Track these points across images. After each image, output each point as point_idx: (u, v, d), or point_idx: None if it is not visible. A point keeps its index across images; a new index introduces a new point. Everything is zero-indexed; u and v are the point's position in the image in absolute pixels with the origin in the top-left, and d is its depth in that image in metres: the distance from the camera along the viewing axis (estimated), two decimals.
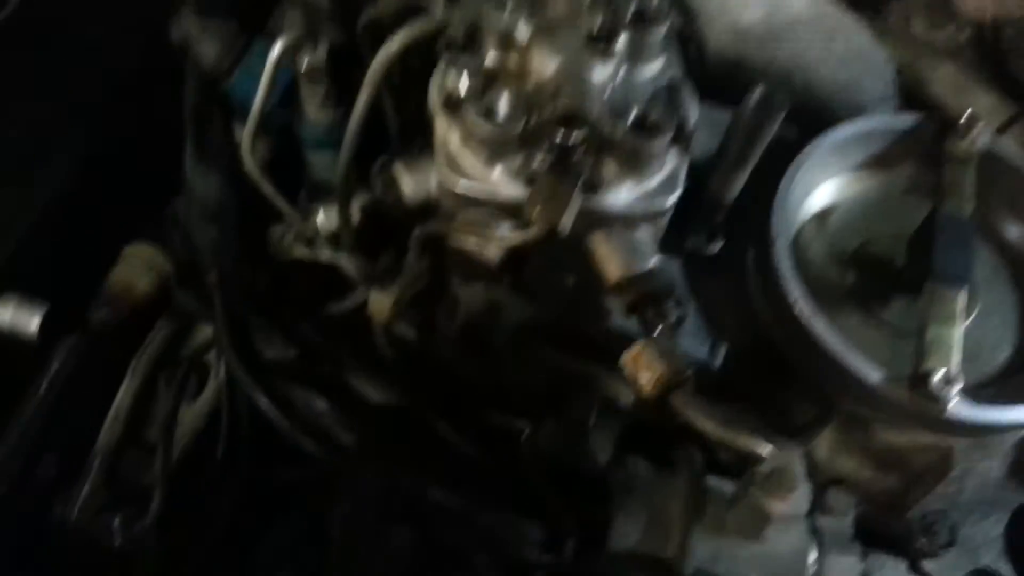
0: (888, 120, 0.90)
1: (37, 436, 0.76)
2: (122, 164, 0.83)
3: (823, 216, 0.89)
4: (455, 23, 0.65)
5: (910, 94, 1.17)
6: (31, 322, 0.71)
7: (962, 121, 0.86)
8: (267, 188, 0.83)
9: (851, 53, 1.12)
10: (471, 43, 0.68)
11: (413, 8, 0.73)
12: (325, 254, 0.77)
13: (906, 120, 0.89)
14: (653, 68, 0.78)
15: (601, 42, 0.69)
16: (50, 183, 0.77)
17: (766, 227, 0.79)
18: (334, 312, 0.86)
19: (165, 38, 0.87)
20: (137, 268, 0.79)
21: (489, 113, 0.70)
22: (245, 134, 0.80)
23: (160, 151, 0.85)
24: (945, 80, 1.40)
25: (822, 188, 0.89)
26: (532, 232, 0.67)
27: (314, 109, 0.85)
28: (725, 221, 0.84)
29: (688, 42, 1.01)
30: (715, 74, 1.05)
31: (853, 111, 1.10)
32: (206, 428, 0.83)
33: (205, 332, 0.82)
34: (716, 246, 0.83)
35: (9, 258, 0.73)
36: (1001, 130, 1.01)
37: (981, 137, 0.86)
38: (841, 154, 0.88)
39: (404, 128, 0.88)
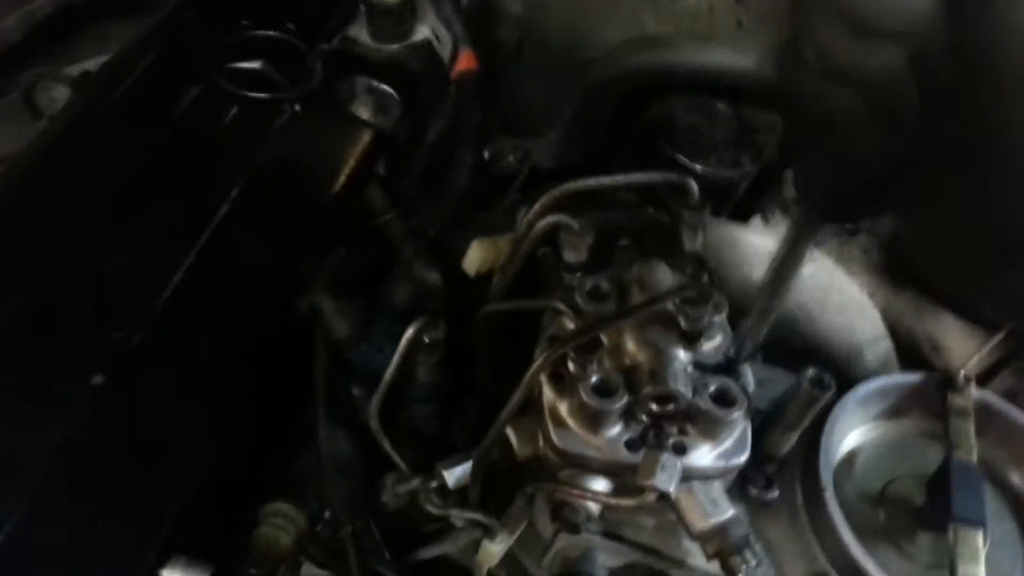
0: (898, 378, 1.08)
1: None
2: (259, 426, 0.95)
3: (850, 460, 1.05)
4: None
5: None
6: None
7: (959, 378, 1.05)
8: (387, 445, 0.95)
9: (844, 302, 1.33)
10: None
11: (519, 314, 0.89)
12: (454, 513, 0.89)
13: (913, 377, 1.07)
14: (716, 344, 0.95)
15: (692, 340, 0.86)
16: (204, 453, 0.88)
17: (816, 479, 0.95)
18: (431, 555, 0.97)
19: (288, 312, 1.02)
20: (278, 525, 0.89)
21: (597, 391, 0.86)
22: (374, 403, 0.93)
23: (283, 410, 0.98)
24: (906, 308, 1.62)
25: (849, 437, 1.05)
26: (644, 498, 0.81)
27: (425, 373, 0.99)
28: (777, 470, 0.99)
29: None
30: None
31: (849, 349, 1.30)
32: None
33: None
34: (773, 493, 0.97)
35: (175, 522, 0.83)
36: (983, 380, 1.20)
37: (975, 392, 1.04)
38: (863, 407, 1.05)
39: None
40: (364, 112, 1.26)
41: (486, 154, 1.31)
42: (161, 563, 0.80)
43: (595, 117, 1.46)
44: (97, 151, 1.09)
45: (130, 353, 0.90)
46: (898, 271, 1.66)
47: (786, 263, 0.88)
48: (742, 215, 1.52)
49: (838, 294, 1.33)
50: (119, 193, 1.03)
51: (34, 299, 0.92)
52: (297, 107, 1.18)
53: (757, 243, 1.36)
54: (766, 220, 1.49)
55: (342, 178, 1.13)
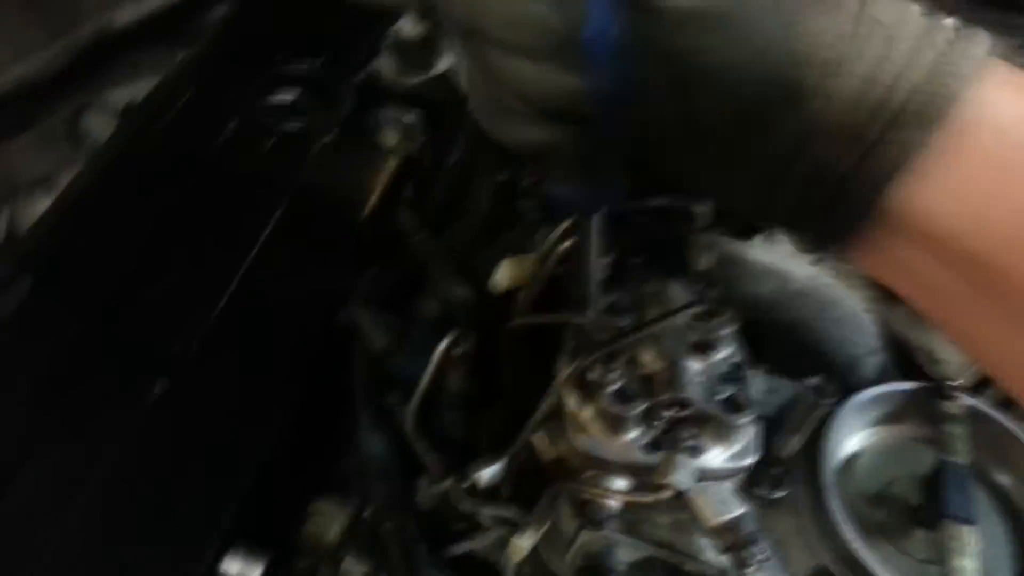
0: (894, 386, 1.16)
1: None
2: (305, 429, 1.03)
3: (850, 463, 1.12)
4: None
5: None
6: (255, 573, 0.88)
7: (951, 387, 1.13)
8: (421, 450, 1.03)
9: (843, 317, 1.41)
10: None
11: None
12: (485, 510, 0.96)
13: (908, 386, 1.15)
14: (726, 354, 1.03)
15: (704, 350, 0.94)
16: (258, 454, 0.96)
17: (817, 480, 1.02)
18: (461, 552, 1.04)
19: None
20: (323, 522, 0.96)
21: (617, 398, 0.93)
22: (409, 410, 1.01)
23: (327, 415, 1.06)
24: (903, 320, 1.69)
25: (849, 441, 1.13)
26: (662, 495, 0.88)
27: (455, 382, 1.06)
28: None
29: None
30: None
31: (847, 361, 1.38)
32: None
33: None
34: (779, 493, 1.04)
35: (233, 517, 0.91)
36: (976, 389, 1.27)
37: (967, 400, 1.12)
38: (861, 413, 1.12)
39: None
40: (391, 139, 1.35)
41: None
42: (221, 554, 0.88)
43: None
44: (146, 180, 1.18)
45: (188, 363, 0.98)
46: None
47: None
48: (746, 233, 1.61)
49: (838, 309, 1.41)
50: (169, 219, 1.12)
51: (93, 319, 1.01)
52: (330, 136, 1.27)
53: (760, 259, 1.44)
54: (769, 238, 1.59)
55: (373, 201, 1.22)
